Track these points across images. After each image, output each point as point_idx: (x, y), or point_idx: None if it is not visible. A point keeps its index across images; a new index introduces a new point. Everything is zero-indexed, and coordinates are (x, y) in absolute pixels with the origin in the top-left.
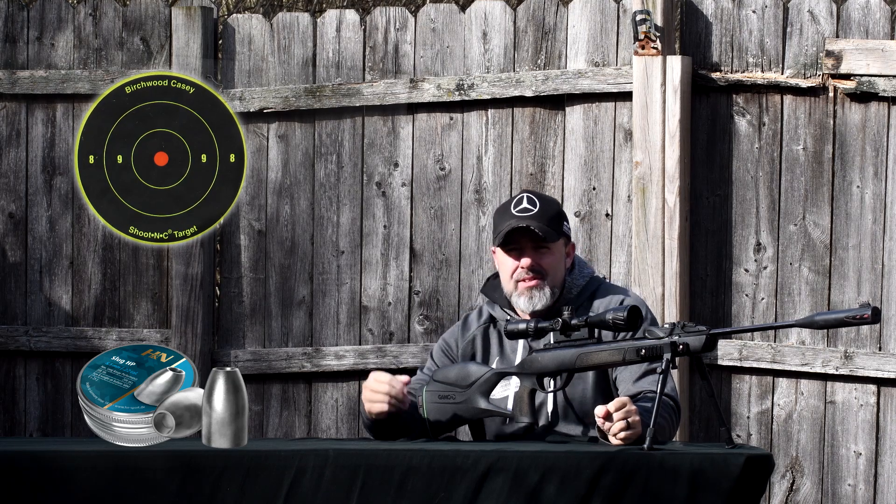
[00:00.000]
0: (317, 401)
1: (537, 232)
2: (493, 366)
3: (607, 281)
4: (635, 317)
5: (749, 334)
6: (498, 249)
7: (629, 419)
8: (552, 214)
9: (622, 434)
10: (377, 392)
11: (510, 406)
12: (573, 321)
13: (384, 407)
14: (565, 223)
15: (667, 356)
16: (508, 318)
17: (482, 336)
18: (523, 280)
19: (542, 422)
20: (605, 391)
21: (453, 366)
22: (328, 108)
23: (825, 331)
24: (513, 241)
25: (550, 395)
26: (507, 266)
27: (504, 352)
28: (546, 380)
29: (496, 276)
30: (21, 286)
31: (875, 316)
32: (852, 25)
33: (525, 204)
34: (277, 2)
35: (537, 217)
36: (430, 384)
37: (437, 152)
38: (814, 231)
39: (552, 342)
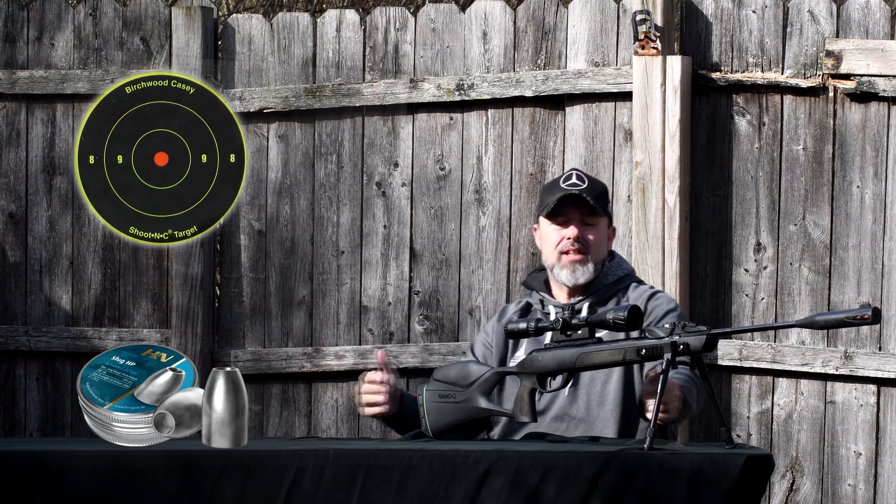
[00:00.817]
0: (317, 401)
1: (589, 201)
2: (523, 350)
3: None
4: (636, 317)
5: (749, 334)
6: (543, 221)
7: (669, 404)
8: (599, 191)
9: (660, 415)
10: (368, 394)
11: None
12: (573, 321)
13: (376, 410)
14: (610, 204)
15: (667, 356)
16: (542, 298)
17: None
18: (567, 252)
19: (553, 412)
20: (629, 385)
21: (454, 365)
22: (328, 108)
23: (825, 331)
24: (561, 213)
25: (564, 392)
26: (553, 237)
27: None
28: (547, 379)
29: (538, 269)
30: (21, 286)
31: (875, 316)
32: (852, 25)
33: (574, 179)
34: (277, 2)
35: (587, 191)
36: (430, 383)
37: (437, 152)
38: (814, 231)
39: (552, 341)
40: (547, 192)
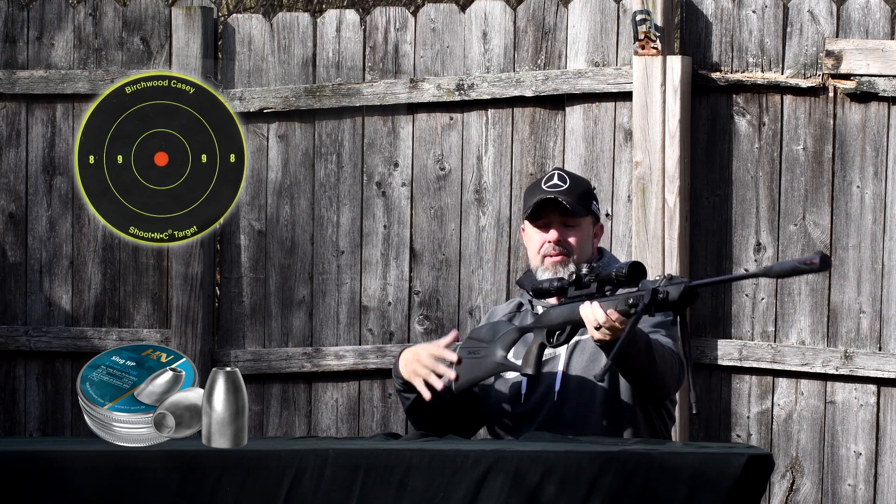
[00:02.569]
0: (317, 401)
1: (565, 204)
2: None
3: None
4: (637, 272)
5: (749, 335)
6: (526, 224)
7: (607, 327)
8: (581, 192)
9: (597, 334)
10: (426, 366)
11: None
12: (585, 278)
13: (425, 385)
14: (594, 202)
15: (645, 299)
16: (531, 299)
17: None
18: (549, 255)
19: (542, 416)
20: (615, 388)
21: (487, 324)
22: (328, 108)
23: (825, 331)
24: (541, 215)
25: (560, 372)
26: (535, 240)
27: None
28: (555, 334)
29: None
30: (21, 286)
31: (823, 263)
32: (852, 25)
33: (556, 180)
34: (277, 2)
35: (566, 192)
36: (465, 341)
37: (437, 152)
38: (814, 231)
39: (566, 298)
40: (529, 193)
